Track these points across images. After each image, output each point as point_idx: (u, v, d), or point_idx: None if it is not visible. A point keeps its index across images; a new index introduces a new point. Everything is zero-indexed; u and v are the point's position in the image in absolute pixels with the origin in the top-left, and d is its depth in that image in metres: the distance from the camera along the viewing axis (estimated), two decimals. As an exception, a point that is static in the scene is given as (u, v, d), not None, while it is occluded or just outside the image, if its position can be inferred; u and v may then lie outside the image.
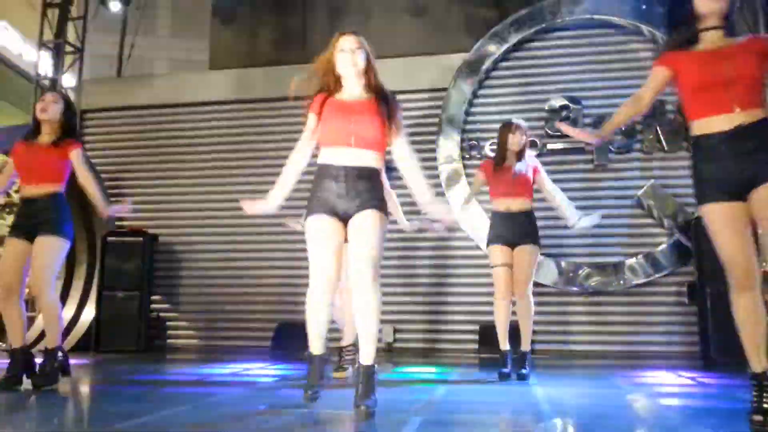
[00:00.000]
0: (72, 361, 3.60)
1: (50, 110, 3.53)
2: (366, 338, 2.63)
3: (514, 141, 4.10)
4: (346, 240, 2.74)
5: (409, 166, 2.83)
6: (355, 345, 4.12)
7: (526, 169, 4.12)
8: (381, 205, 2.73)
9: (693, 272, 5.69)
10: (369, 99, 2.80)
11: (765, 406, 2.22)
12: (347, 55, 2.77)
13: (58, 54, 7.68)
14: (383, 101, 2.78)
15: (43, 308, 3.46)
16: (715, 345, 5.21)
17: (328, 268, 2.68)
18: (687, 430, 2.38)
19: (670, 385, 3.89)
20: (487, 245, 4.18)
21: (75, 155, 3.52)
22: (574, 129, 3.16)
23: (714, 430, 2.34)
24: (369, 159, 2.75)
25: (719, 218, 2.36)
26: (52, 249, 3.40)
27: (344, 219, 2.72)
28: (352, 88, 2.83)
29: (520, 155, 4.13)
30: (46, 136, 3.56)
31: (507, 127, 4.16)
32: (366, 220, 2.67)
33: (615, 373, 4.47)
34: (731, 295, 2.36)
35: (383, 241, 2.71)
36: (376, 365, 2.65)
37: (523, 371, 3.91)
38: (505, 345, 4.02)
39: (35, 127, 3.59)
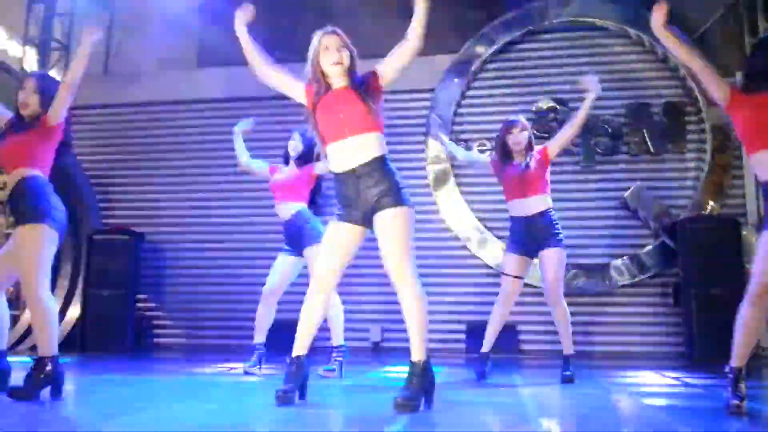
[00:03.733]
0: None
1: (30, 104, 3.25)
2: (411, 335, 2.84)
3: (515, 140, 3.92)
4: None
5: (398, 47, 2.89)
6: (341, 345, 4.14)
7: (535, 165, 3.89)
8: (396, 198, 2.74)
9: (677, 274, 5.76)
10: (347, 88, 2.87)
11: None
12: (333, 54, 2.85)
13: (44, 50, 7.60)
14: (359, 86, 2.85)
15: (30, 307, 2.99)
16: (699, 345, 5.28)
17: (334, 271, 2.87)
18: (671, 429, 2.41)
19: (655, 385, 3.93)
20: (505, 252, 4.11)
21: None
22: None
23: (697, 430, 2.37)
24: (369, 144, 2.77)
25: None
26: (32, 239, 2.95)
27: (363, 220, 2.81)
28: (338, 84, 2.89)
29: (526, 153, 3.92)
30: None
31: (506, 127, 3.99)
32: (386, 220, 2.74)
33: (600, 373, 4.50)
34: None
35: (411, 232, 2.78)
36: (424, 361, 2.76)
37: (567, 373, 3.80)
38: (488, 348, 3.97)
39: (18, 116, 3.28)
